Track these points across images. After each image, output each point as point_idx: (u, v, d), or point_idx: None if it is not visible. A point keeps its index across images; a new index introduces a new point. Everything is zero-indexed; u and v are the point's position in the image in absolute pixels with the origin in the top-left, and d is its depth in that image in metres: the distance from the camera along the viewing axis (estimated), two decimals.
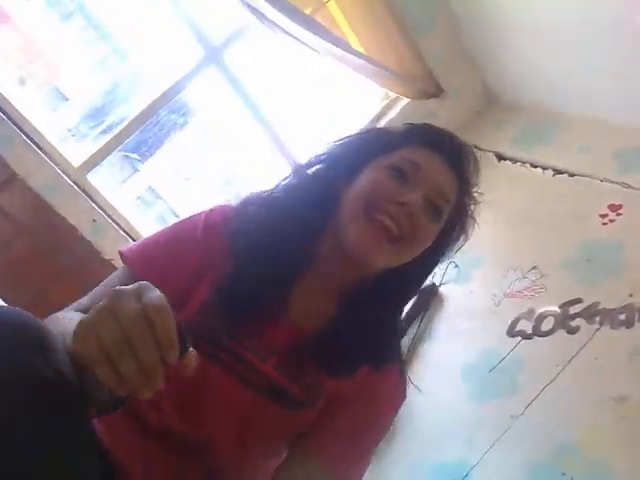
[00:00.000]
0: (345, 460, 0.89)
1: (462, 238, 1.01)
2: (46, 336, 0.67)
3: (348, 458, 0.90)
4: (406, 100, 2.61)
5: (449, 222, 0.97)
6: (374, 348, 0.92)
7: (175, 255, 0.92)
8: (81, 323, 0.60)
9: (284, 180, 0.99)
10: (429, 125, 1.02)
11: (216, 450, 0.89)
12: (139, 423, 0.88)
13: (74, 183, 2.19)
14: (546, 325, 1.75)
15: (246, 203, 0.97)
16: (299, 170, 0.99)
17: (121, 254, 0.95)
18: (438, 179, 0.93)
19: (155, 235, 0.98)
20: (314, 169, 0.99)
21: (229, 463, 0.91)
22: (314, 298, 0.92)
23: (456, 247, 1.02)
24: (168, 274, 0.89)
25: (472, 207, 1.02)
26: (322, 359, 0.89)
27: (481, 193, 1.04)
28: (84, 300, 0.92)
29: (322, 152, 1.00)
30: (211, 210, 0.97)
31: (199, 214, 0.97)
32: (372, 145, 0.98)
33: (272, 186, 0.99)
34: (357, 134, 1.03)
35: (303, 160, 1.01)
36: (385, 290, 0.93)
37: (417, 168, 0.92)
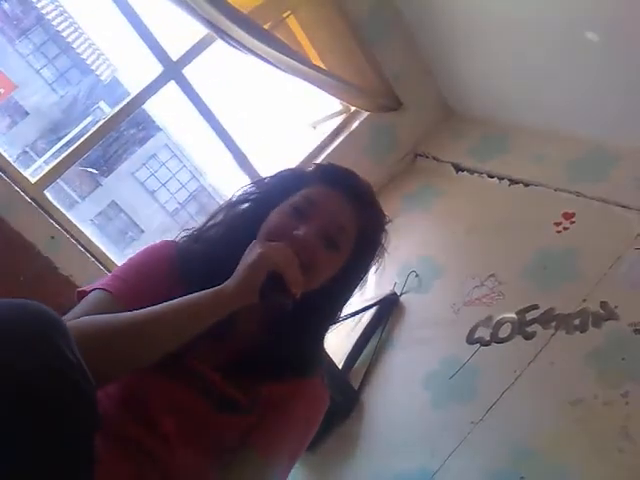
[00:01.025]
0: (276, 451, 0.99)
1: (373, 264, 1.12)
2: (63, 324, 0.74)
3: (279, 450, 0.99)
4: (366, 113, 2.64)
5: (357, 249, 1.07)
6: (294, 361, 1.03)
7: (147, 281, 0.99)
8: (267, 248, 0.90)
9: (217, 217, 1.12)
10: (329, 164, 1.15)
11: (168, 457, 0.92)
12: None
13: (31, 199, 2.15)
14: (504, 332, 1.79)
15: (190, 240, 1.08)
16: (227, 208, 1.12)
17: (85, 292, 0.98)
18: (333, 211, 1.04)
19: (120, 267, 1.04)
20: (240, 209, 1.11)
21: (182, 471, 0.95)
22: (248, 322, 1.02)
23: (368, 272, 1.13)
24: (145, 297, 0.93)
25: (378, 234, 1.12)
26: (253, 370, 1.00)
27: (390, 221, 1.14)
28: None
29: (245, 192, 1.13)
30: (165, 242, 1.08)
31: (156, 245, 1.08)
32: (281, 187, 1.10)
33: (204, 224, 1.12)
34: (274, 176, 1.16)
35: (232, 198, 1.14)
36: (304, 314, 1.01)
37: (312, 204, 1.04)
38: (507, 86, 2.38)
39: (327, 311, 1.10)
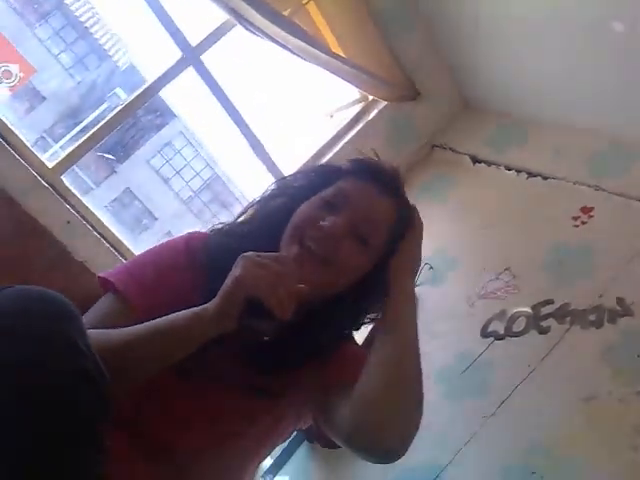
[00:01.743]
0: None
1: None
2: (76, 313, 0.75)
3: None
4: (383, 103, 2.62)
5: (389, 248, 1.04)
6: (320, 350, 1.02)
7: (165, 283, 0.99)
8: (244, 271, 0.83)
9: (249, 210, 1.12)
10: (364, 158, 1.13)
11: (188, 451, 0.94)
12: (123, 429, 0.89)
13: (48, 184, 2.16)
14: (518, 326, 1.77)
15: (216, 233, 1.07)
16: (260, 204, 1.12)
17: (106, 281, 0.99)
18: (364, 205, 1.01)
19: (139, 262, 1.05)
20: (270, 205, 1.10)
21: (203, 467, 0.96)
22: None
23: None
24: (162, 302, 0.94)
25: (411, 226, 1.10)
26: (274, 359, 0.99)
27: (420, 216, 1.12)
28: None
29: (280, 186, 1.13)
30: (190, 236, 1.06)
31: (178, 240, 1.06)
32: (313, 182, 1.09)
33: (237, 217, 1.13)
34: (306, 171, 1.16)
35: (263, 193, 1.14)
36: (329, 314, 1.01)
37: (343, 196, 1.02)
38: (526, 77, 2.35)
39: (354, 312, 1.07)
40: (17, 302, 0.73)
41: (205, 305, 0.85)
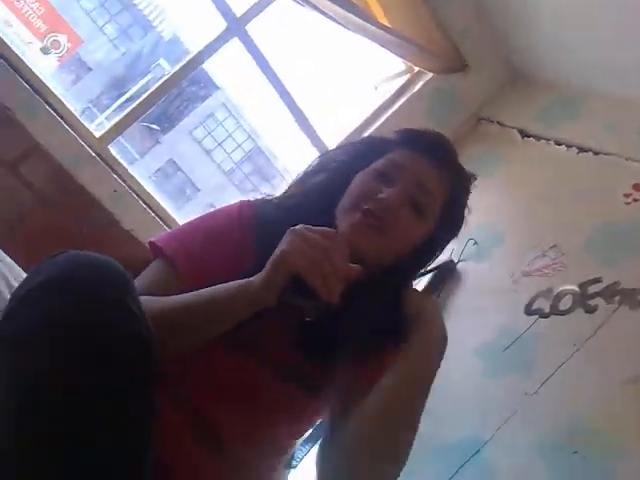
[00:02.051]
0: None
1: (457, 233, 1.09)
2: (129, 278, 0.77)
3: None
4: (429, 74, 2.57)
5: (443, 217, 1.02)
6: (371, 335, 0.97)
7: (215, 251, 0.97)
8: (290, 246, 0.80)
9: (296, 184, 1.10)
10: (415, 129, 1.10)
11: (226, 423, 0.94)
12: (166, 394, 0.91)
13: (96, 154, 2.21)
14: (564, 304, 1.74)
15: (265, 206, 1.05)
16: (307, 177, 1.10)
17: (156, 246, 0.99)
18: (419, 175, 1.00)
19: (190, 228, 1.04)
20: (319, 177, 1.08)
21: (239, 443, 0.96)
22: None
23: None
24: (210, 270, 0.94)
25: (465, 202, 1.08)
26: (328, 343, 0.95)
27: (475, 179, 1.11)
28: None
29: (325, 160, 1.11)
30: (242, 205, 1.05)
31: (231, 207, 1.05)
32: (365, 153, 1.07)
33: (285, 192, 1.11)
34: (354, 143, 1.14)
35: (311, 166, 1.12)
36: (385, 283, 0.98)
37: (397, 167, 1.00)
38: (579, 47, 2.26)
39: (406, 282, 1.04)
40: (70, 267, 0.75)
41: (251, 278, 0.83)
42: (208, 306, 0.85)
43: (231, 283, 0.85)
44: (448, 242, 1.10)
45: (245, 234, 0.99)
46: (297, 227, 0.83)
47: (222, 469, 0.94)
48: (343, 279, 0.80)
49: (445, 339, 0.96)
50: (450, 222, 1.06)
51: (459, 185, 1.06)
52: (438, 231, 1.03)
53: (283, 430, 1.03)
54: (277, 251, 0.82)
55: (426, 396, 0.92)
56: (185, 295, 0.87)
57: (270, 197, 1.09)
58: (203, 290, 0.86)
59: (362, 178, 1.01)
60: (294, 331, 0.96)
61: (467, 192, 1.09)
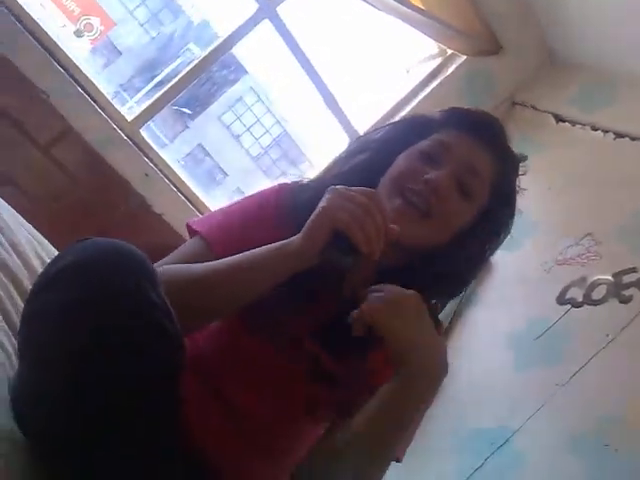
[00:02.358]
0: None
1: (509, 219, 1.02)
2: (150, 267, 0.76)
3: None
4: (462, 57, 2.52)
5: (492, 201, 0.97)
6: None
7: (250, 233, 0.96)
8: (330, 202, 0.80)
9: (333, 167, 1.07)
10: (462, 108, 1.05)
11: (243, 406, 0.93)
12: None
13: (127, 137, 2.22)
14: (598, 294, 1.70)
15: (302, 189, 1.02)
16: (346, 159, 1.06)
17: (192, 228, 0.99)
18: (467, 157, 0.95)
19: (227, 211, 1.03)
20: (358, 159, 1.04)
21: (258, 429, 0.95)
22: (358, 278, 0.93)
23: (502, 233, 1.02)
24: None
25: (514, 184, 1.02)
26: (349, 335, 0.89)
27: (523, 167, 1.04)
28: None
29: (365, 141, 1.07)
30: (280, 188, 1.03)
31: (269, 191, 1.03)
32: (408, 133, 1.02)
33: (323, 174, 1.11)
34: (396, 123, 1.10)
35: (348, 148, 1.09)
36: (426, 272, 0.93)
37: (446, 148, 0.96)
38: (617, 29, 2.19)
39: (450, 272, 0.97)
40: (88, 254, 0.74)
41: (291, 238, 0.83)
42: (250, 266, 0.84)
43: (269, 245, 0.84)
44: (495, 234, 1.02)
45: (281, 217, 0.97)
46: (337, 186, 0.82)
47: (248, 451, 0.94)
48: (383, 236, 0.79)
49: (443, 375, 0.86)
50: (497, 211, 0.99)
51: (508, 167, 1.01)
52: (484, 219, 0.97)
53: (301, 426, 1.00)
54: (317, 208, 0.81)
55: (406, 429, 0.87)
56: (228, 258, 0.86)
57: (307, 180, 1.06)
58: (240, 254, 0.85)
59: (406, 159, 0.97)
60: (320, 321, 0.94)
61: (516, 174, 1.03)
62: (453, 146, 0.96)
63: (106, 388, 0.68)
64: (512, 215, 1.03)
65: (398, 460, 0.91)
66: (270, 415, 0.95)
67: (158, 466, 0.73)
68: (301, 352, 0.94)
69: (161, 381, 0.73)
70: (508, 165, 1.01)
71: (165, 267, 0.88)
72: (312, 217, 0.81)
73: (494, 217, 0.99)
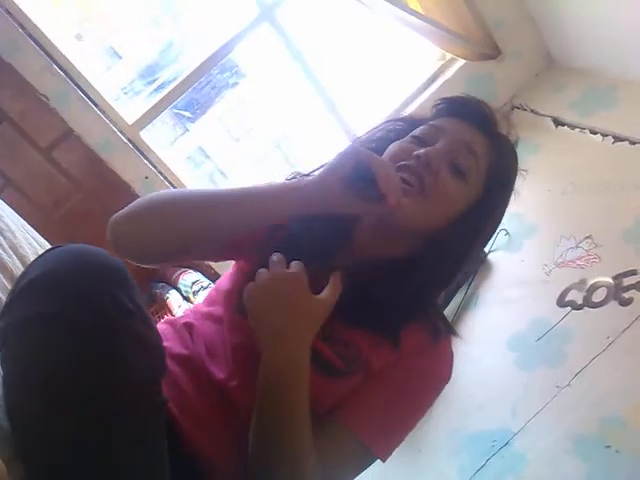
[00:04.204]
0: (377, 428, 0.87)
1: (504, 209, 0.96)
2: (124, 272, 0.76)
3: (381, 427, 0.88)
4: (462, 61, 2.53)
5: (487, 187, 0.92)
6: (388, 313, 0.89)
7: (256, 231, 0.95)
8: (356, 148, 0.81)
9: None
10: (456, 96, 1.01)
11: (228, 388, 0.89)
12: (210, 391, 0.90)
13: (128, 140, 2.22)
14: (598, 296, 1.71)
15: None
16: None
17: None
18: (461, 135, 0.92)
19: None
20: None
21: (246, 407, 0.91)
22: (347, 259, 0.92)
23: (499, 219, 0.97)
24: (243, 242, 0.92)
25: (512, 172, 0.96)
26: (359, 321, 0.88)
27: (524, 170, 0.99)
28: None
29: (363, 137, 1.05)
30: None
31: None
32: (403, 127, 1.01)
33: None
34: (391, 119, 1.07)
35: (354, 140, 1.08)
36: (422, 258, 0.90)
37: (439, 131, 0.93)
38: (615, 34, 2.20)
39: (446, 258, 0.91)
40: (59, 263, 0.74)
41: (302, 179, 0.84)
42: (254, 192, 0.85)
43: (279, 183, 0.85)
44: (491, 224, 0.96)
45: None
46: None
47: (237, 441, 0.87)
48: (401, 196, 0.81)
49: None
50: (498, 188, 0.93)
51: (504, 148, 0.96)
52: (479, 207, 0.91)
53: None
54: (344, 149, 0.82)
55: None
56: (228, 188, 0.88)
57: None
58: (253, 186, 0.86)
59: (398, 144, 0.94)
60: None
61: (514, 155, 0.97)
62: (445, 128, 0.93)
63: (87, 402, 0.67)
64: (500, 211, 0.97)
65: (382, 460, 0.88)
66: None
67: (151, 466, 0.72)
68: None
69: (143, 389, 0.72)
70: (503, 147, 0.96)
71: (158, 193, 0.89)
72: (338, 154, 0.81)
73: (486, 207, 0.93)
